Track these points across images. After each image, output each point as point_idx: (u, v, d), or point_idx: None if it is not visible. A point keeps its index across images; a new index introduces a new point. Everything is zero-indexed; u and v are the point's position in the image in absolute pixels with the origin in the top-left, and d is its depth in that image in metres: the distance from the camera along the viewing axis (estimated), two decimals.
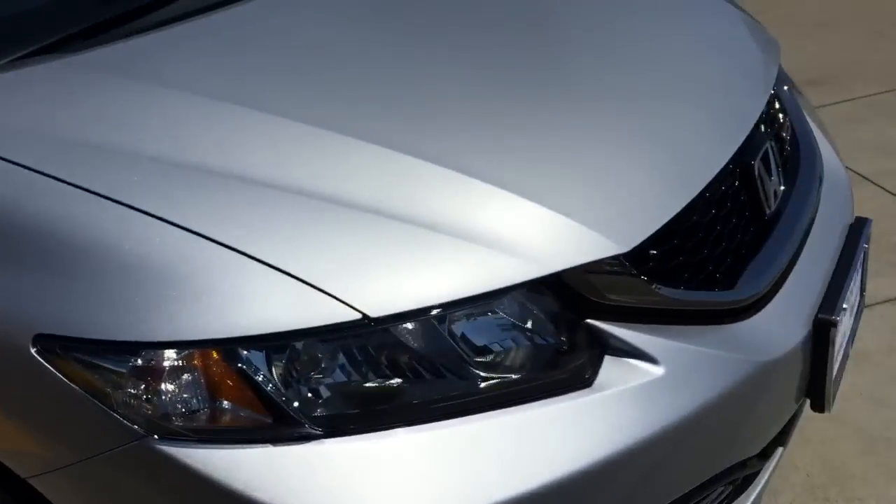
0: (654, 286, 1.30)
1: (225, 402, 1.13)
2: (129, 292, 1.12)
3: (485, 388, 1.20)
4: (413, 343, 1.18)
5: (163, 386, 1.12)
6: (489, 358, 1.22)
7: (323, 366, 1.15)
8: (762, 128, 1.64)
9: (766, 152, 1.57)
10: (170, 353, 1.11)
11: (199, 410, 1.13)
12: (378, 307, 1.14)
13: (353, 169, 1.28)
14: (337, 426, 1.14)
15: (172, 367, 1.12)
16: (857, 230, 1.69)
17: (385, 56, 1.57)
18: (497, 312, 1.22)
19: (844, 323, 1.52)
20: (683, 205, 1.35)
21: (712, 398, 1.29)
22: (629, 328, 1.28)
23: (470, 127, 1.38)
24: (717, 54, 1.77)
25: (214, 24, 1.61)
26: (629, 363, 1.26)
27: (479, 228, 1.23)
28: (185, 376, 1.12)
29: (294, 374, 1.14)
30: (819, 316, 1.46)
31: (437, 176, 1.28)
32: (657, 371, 1.26)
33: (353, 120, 1.36)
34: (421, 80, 1.51)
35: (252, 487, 1.09)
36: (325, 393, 1.15)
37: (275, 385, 1.13)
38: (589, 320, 1.26)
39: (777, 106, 1.80)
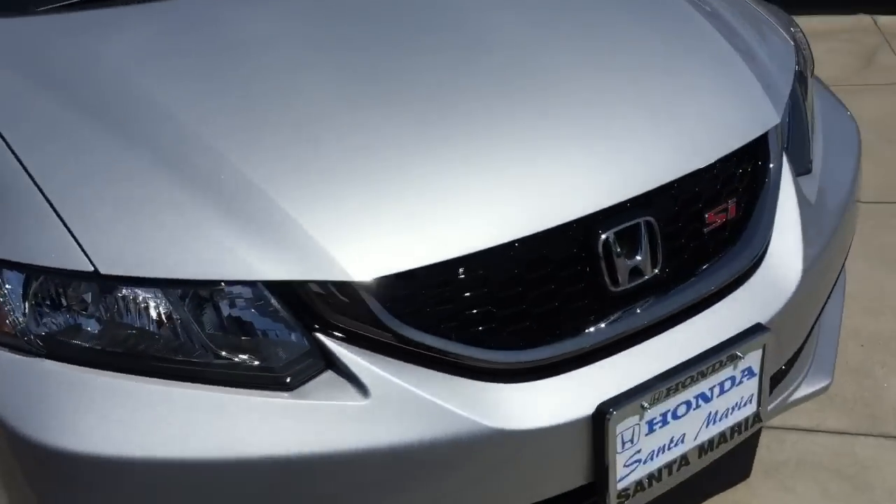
0: (389, 323, 1.32)
1: None
2: None
3: (198, 361, 1.32)
4: (147, 305, 1.33)
5: None
6: (219, 337, 1.33)
7: (62, 301, 1.34)
8: (674, 194, 1.53)
9: (638, 226, 1.48)
10: None
11: None
12: (112, 266, 1.31)
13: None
14: (65, 354, 1.33)
15: None
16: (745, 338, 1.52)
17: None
18: (233, 302, 1.33)
19: (633, 422, 1.41)
20: (458, 254, 1.35)
21: (412, 444, 1.30)
22: (356, 352, 1.32)
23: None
24: (670, 80, 1.67)
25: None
26: (343, 383, 1.32)
27: (240, 223, 1.34)
28: None
29: (39, 300, 1.34)
30: (599, 405, 1.38)
31: (232, 171, 1.39)
32: (361, 401, 1.30)
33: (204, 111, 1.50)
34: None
35: None
36: (60, 324, 1.34)
37: (18, 304, 1.34)
38: (318, 334, 1.33)
39: (744, 171, 1.66)
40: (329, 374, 1.33)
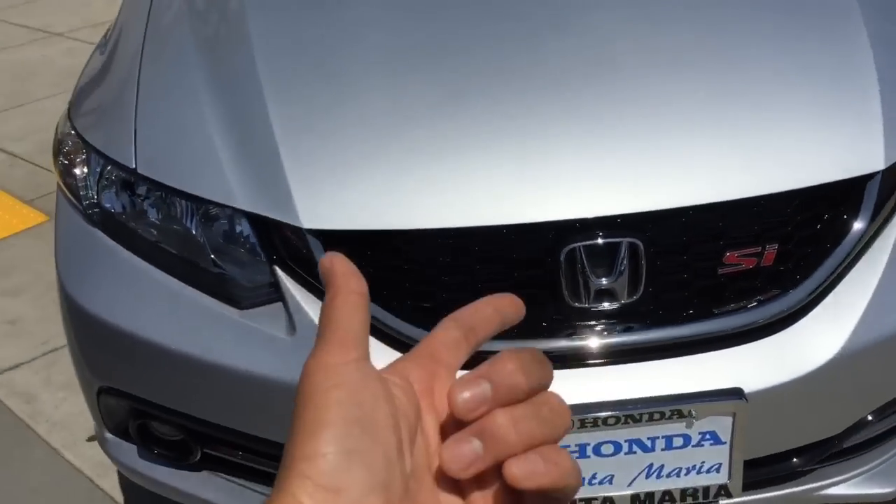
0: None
1: None
2: None
3: (191, 260, 1.55)
4: (168, 207, 1.58)
5: None
6: (213, 247, 1.54)
7: (117, 189, 1.64)
8: (684, 222, 1.40)
9: (627, 247, 1.38)
10: None
11: None
12: (147, 168, 1.58)
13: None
14: (110, 229, 1.63)
15: None
16: None
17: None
18: (223, 222, 1.53)
19: None
20: (403, 227, 1.40)
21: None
22: (300, 294, 1.45)
23: None
24: (756, 95, 1.51)
25: None
26: (282, 318, 1.46)
27: (249, 163, 1.52)
28: None
29: (105, 184, 1.65)
30: None
31: (264, 120, 1.57)
32: (288, 336, 1.44)
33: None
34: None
35: None
36: (114, 205, 1.64)
37: (93, 184, 1.67)
38: (277, 268, 1.47)
39: (811, 216, 1.45)
40: (277, 306, 1.48)
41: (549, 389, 0.49)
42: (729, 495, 1.43)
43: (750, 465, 1.44)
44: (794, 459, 1.49)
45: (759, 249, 1.42)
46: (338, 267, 0.50)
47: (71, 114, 1.83)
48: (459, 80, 1.58)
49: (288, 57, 1.68)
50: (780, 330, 1.42)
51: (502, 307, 0.53)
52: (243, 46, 1.71)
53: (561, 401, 0.48)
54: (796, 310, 1.42)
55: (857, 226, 1.44)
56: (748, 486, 1.48)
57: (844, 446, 1.53)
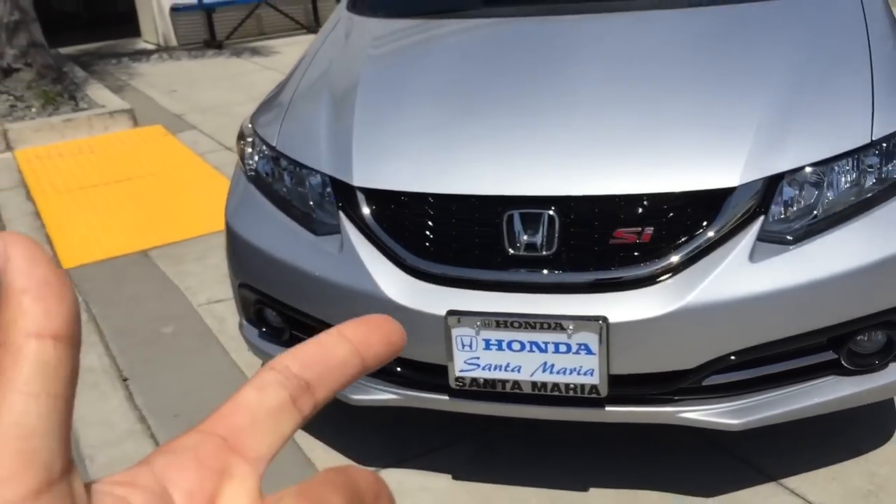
0: (369, 223, 2.25)
1: None
2: None
3: (293, 203, 2.46)
4: (289, 171, 2.50)
5: None
6: (310, 197, 2.44)
7: (263, 155, 2.59)
8: (592, 205, 2.11)
9: (547, 217, 2.11)
10: None
11: None
12: (281, 144, 2.52)
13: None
14: (255, 182, 2.59)
15: None
16: None
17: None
18: (317, 181, 2.42)
19: (470, 333, 2.09)
20: (422, 191, 2.21)
21: (348, 286, 2.24)
22: (351, 230, 2.30)
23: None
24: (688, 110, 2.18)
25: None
26: (338, 242, 2.32)
27: (336, 136, 2.41)
28: None
29: (254, 152, 2.62)
30: (448, 311, 2.11)
31: (350, 100, 2.46)
32: (338, 253, 2.29)
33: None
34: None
35: None
36: (259, 167, 2.60)
37: (251, 151, 2.64)
38: (341, 212, 2.34)
39: (691, 212, 2.11)
40: (337, 236, 2.34)
41: None
42: (598, 393, 2.09)
43: (617, 380, 2.09)
44: (655, 383, 2.12)
45: (640, 230, 2.10)
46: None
47: (253, 114, 2.83)
48: (481, 103, 2.40)
49: (377, 84, 2.59)
50: (642, 287, 2.07)
51: (368, 342, 0.34)
52: (354, 78, 2.63)
53: None
54: (657, 274, 2.07)
55: (710, 226, 2.08)
56: (619, 401, 2.12)
57: (704, 384, 2.13)
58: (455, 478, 2.48)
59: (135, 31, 11.05)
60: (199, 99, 7.51)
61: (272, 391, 0.32)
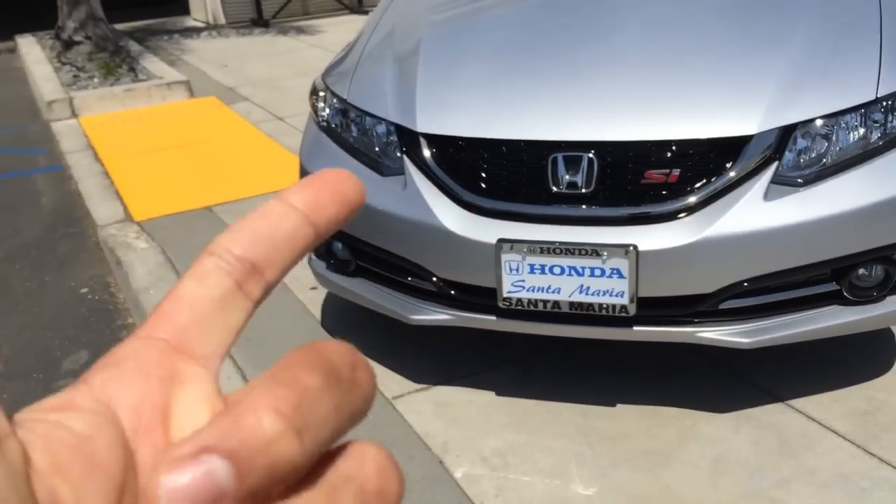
0: (431, 165, 2.58)
1: None
2: None
3: (361, 149, 2.79)
4: (356, 121, 2.83)
5: None
6: (376, 142, 2.77)
7: (335, 108, 2.93)
8: (625, 148, 2.42)
9: (587, 159, 2.43)
10: None
11: None
12: (350, 96, 2.85)
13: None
14: (327, 131, 2.93)
15: None
16: None
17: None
18: (383, 128, 2.75)
19: (517, 259, 2.41)
20: (478, 136, 2.53)
21: (412, 219, 2.57)
22: (414, 171, 2.63)
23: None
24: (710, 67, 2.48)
25: None
26: (402, 182, 2.65)
27: (402, 87, 2.74)
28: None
29: (325, 105, 2.96)
30: (498, 239, 2.43)
31: (415, 57, 2.78)
32: (401, 192, 2.62)
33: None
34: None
35: None
36: (330, 119, 2.94)
37: (322, 105, 2.98)
38: (405, 156, 2.67)
39: (713, 157, 2.41)
40: (401, 177, 2.67)
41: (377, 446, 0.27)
42: (627, 312, 2.41)
43: (644, 302, 2.40)
44: (678, 305, 2.43)
45: (668, 171, 2.41)
46: None
47: (324, 72, 3.17)
48: (530, 60, 2.72)
49: (437, 45, 2.91)
50: (668, 221, 2.38)
51: (318, 205, 0.31)
52: (416, 41, 2.95)
53: (387, 466, 0.27)
54: (681, 210, 2.38)
55: (730, 170, 2.38)
56: (645, 321, 2.44)
57: (721, 308, 2.44)
58: (498, 394, 2.80)
59: (184, 10, 11.45)
60: (249, 73, 7.88)
61: (214, 279, 0.29)
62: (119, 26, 10.37)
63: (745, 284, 2.40)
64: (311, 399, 0.25)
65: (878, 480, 2.31)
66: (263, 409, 0.24)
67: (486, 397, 2.80)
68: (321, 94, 3.04)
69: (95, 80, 7.30)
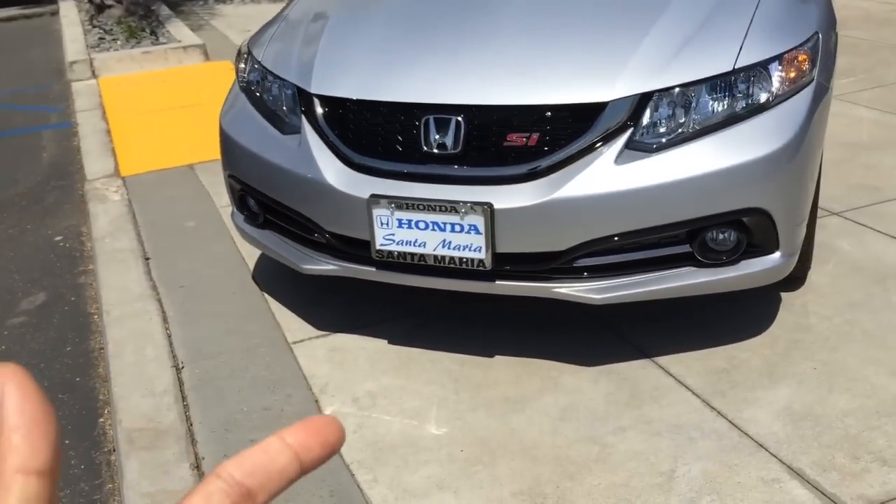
0: (321, 123, 2.77)
1: None
2: None
3: (272, 109, 2.99)
4: (268, 84, 3.03)
5: None
6: (280, 106, 2.97)
7: (255, 69, 3.13)
8: (490, 111, 2.56)
9: (455, 122, 2.58)
10: None
11: None
12: (266, 60, 3.04)
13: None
14: (245, 90, 3.14)
15: None
16: None
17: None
18: (288, 89, 2.94)
19: (386, 213, 2.58)
20: (362, 98, 2.70)
21: (295, 172, 2.77)
22: (308, 130, 2.82)
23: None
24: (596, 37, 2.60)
25: None
26: (298, 139, 2.84)
27: (305, 51, 2.92)
28: None
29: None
30: (370, 195, 2.61)
31: (324, 22, 2.96)
32: (296, 146, 2.81)
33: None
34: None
35: None
36: (248, 76, 3.14)
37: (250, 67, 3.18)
38: (303, 115, 2.86)
39: (568, 121, 2.54)
40: (299, 135, 2.86)
41: None
42: (485, 266, 2.57)
43: (502, 258, 2.56)
44: (534, 262, 2.58)
45: (528, 135, 2.55)
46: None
47: (251, 37, 3.36)
48: (418, 31, 2.88)
49: (343, 16, 3.09)
50: (524, 181, 2.53)
51: (307, 447, 0.38)
52: (326, 12, 3.13)
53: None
54: (537, 172, 2.52)
55: (585, 134, 2.51)
56: (505, 276, 2.59)
57: (577, 265, 2.58)
58: (390, 343, 2.99)
59: None
60: None
61: (217, 499, 0.35)
62: None
63: (596, 243, 2.53)
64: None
65: (707, 431, 2.44)
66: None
67: (377, 345, 2.99)
68: (244, 55, 3.24)
69: (118, 42, 7.63)
